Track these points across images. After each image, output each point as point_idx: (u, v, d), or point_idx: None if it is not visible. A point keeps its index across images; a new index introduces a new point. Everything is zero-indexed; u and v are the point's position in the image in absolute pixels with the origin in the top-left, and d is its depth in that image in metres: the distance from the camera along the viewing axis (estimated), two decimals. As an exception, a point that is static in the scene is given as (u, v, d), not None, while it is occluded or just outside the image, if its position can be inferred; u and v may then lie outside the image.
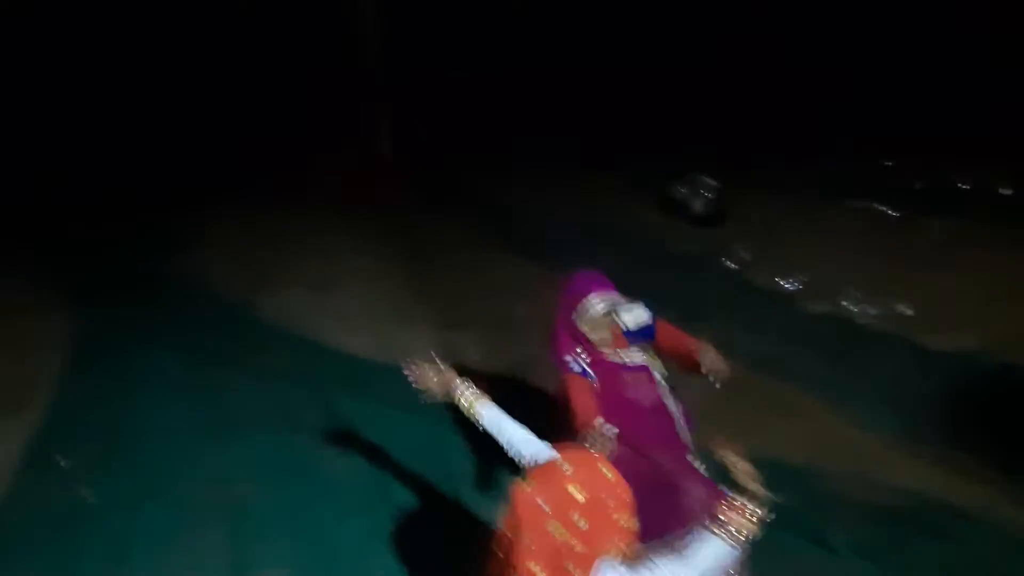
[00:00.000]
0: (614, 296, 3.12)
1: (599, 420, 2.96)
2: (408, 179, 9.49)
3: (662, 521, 2.85)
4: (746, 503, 2.25)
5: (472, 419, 2.69)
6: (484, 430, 2.66)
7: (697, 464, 3.18)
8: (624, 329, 3.23)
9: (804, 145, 9.39)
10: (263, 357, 5.73)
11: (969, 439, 4.23)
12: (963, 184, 7.79)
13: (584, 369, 3.11)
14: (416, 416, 4.24)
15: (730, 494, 2.26)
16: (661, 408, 3.19)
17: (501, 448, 2.59)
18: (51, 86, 11.81)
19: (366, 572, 3.68)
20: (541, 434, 2.59)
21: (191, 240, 8.11)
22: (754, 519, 2.24)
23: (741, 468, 2.35)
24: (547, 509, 2.05)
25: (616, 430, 2.91)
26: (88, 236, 8.33)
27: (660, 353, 3.28)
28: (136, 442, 4.75)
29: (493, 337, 5.72)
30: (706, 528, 2.25)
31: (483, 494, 3.93)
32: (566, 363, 3.12)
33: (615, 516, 2.09)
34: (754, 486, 2.29)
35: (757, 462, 4.09)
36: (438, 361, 2.78)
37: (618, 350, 3.19)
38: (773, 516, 2.24)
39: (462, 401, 2.72)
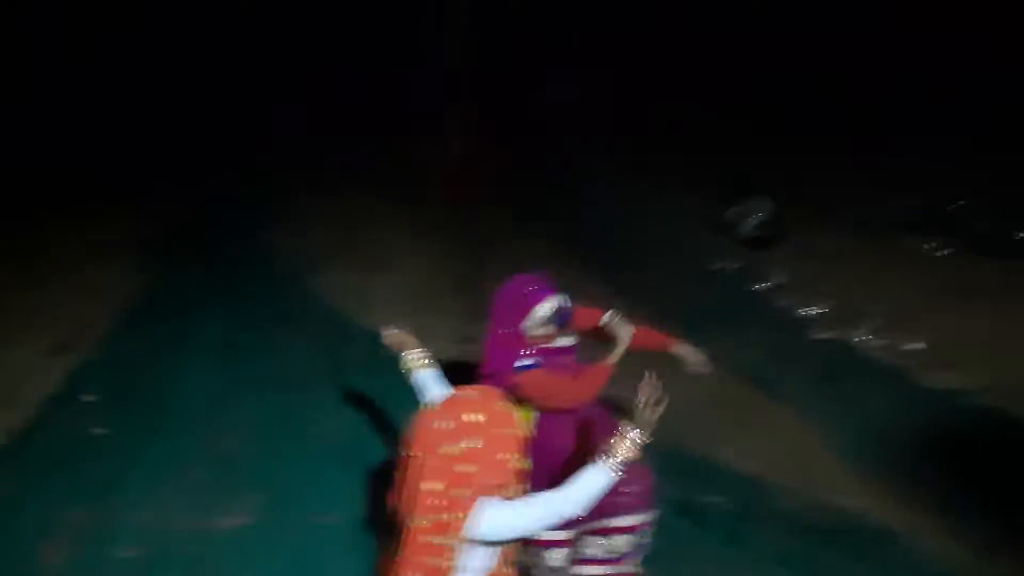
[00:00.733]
0: (555, 296, 3.21)
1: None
2: (479, 177, 9.86)
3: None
4: (631, 430, 2.38)
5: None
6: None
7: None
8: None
9: (878, 177, 9.21)
10: (298, 328, 6.19)
11: (925, 474, 4.18)
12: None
13: (534, 363, 3.20)
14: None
15: (621, 423, 2.39)
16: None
17: None
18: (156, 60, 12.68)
19: (326, 523, 3.99)
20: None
21: (263, 211, 8.75)
22: (635, 444, 2.37)
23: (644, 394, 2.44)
24: (443, 427, 2.27)
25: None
26: (170, 196, 9.12)
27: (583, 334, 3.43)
28: (158, 390, 5.25)
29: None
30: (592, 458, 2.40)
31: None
32: (517, 367, 3.17)
33: (505, 454, 2.31)
34: (647, 413, 2.40)
35: (718, 465, 4.31)
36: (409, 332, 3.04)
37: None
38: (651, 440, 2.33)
39: (405, 361, 3.01)
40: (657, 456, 3.91)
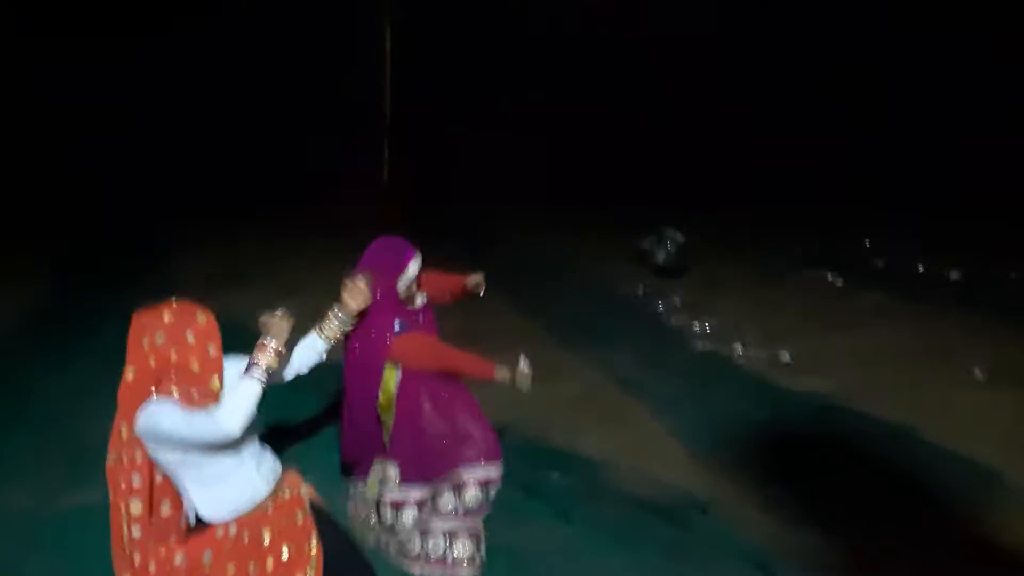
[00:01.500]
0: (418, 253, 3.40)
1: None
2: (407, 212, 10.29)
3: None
4: (269, 340, 2.67)
5: None
6: None
7: None
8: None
9: (785, 215, 9.91)
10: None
11: (758, 460, 4.42)
12: (921, 264, 8.18)
13: (404, 325, 3.35)
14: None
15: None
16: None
17: None
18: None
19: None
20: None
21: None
22: (273, 352, 2.66)
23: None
24: (142, 324, 2.57)
25: None
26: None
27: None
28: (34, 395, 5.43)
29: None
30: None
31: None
32: (393, 328, 3.31)
33: (193, 358, 2.61)
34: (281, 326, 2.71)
35: (570, 451, 4.55)
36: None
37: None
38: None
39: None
40: (515, 442, 4.33)
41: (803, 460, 4.27)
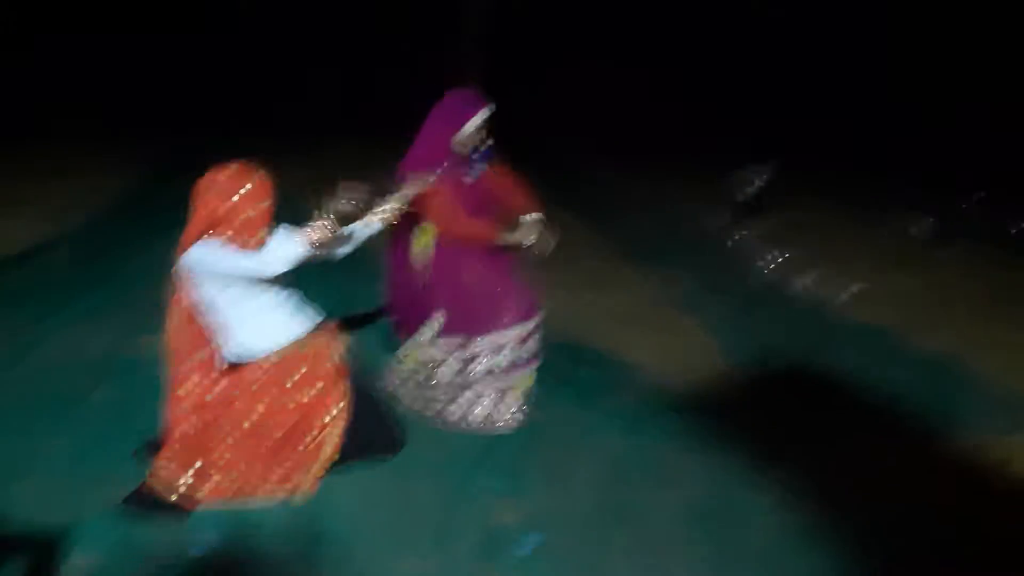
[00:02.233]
0: (487, 107, 3.41)
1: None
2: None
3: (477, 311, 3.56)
4: (324, 218, 2.88)
5: None
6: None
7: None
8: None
9: (881, 161, 9.61)
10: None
11: (802, 384, 4.42)
12: (1005, 222, 7.88)
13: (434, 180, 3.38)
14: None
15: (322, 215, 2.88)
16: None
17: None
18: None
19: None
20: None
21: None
22: (326, 229, 2.86)
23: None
24: (206, 179, 2.90)
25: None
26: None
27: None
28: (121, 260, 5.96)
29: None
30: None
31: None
32: (426, 176, 3.36)
33: (248, 208, 2.90)
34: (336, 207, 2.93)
35: (609, 357, 4.69)
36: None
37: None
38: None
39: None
40: (558, 341, 4.49)
41: (844, 387, 4.25)
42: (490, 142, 3.49)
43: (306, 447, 3.02)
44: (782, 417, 3.95)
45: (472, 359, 3.58)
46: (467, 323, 3.52)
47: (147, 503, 2.88)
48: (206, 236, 2.86)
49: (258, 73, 14.16)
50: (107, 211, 7.23)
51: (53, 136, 10.84)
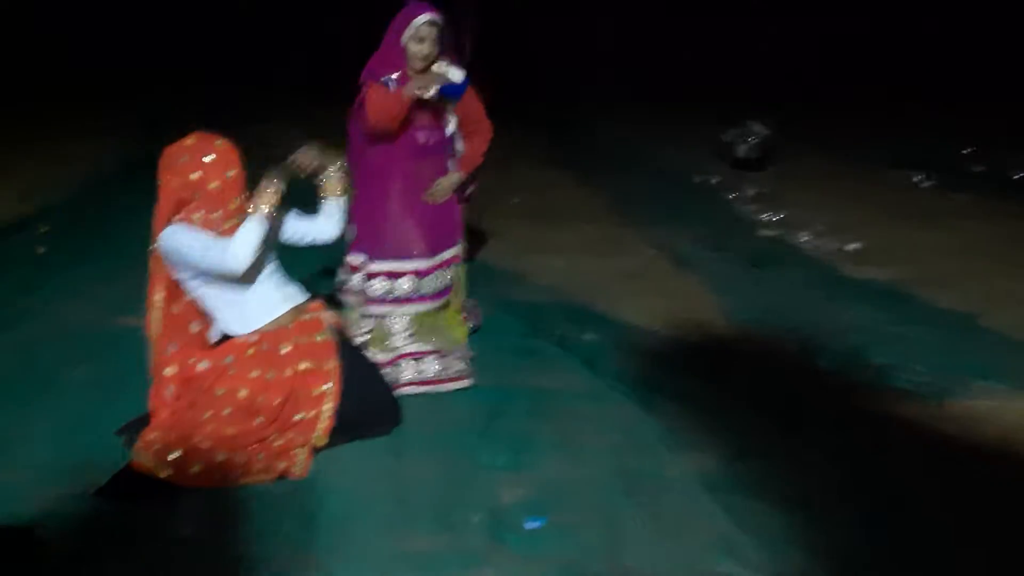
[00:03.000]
0: (436, 14, 3.37)
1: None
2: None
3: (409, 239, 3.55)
4: (271, 182, 2.86)
5: None
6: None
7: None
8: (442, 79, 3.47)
9: (881, 115, 9.57)
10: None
11: (805, 337, 4.30)
12: (1013, 170, 7.73)
13: (392, 85, 3.37)
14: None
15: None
16: (439, 146, 3.59)
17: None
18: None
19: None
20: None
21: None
22: (275, 192, 2.86)
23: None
24: (169, 152, 2.83)
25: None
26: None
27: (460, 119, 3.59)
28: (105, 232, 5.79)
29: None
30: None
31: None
32: (378, 79, 3.37)
33: (214, 179, 2.83)
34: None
35: (606, 314, 4.54)
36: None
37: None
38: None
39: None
40: (559, 303, 4.56)
41: (855, 346, 4.09)
42: (459, 73, 3.44)
43: (297, 426, 2.86)
44: (792, 377, 3.83)
45: (371, 278, 3.53)
46: (370, 243, 3.48)
47: (134, 483, 2.72)
48: (176, 218, 2.78)
49: (244, 33, 13.78)
50: (87, 184, 7.01)
51: (24, 104, 10.58)
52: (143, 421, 2.94)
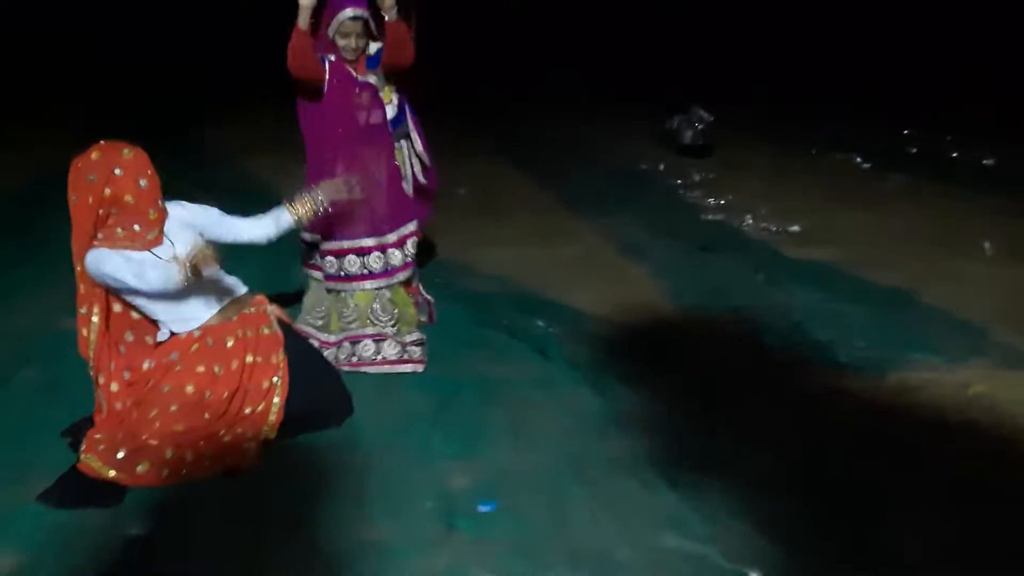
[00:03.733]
0: (362, 9, 3.47)
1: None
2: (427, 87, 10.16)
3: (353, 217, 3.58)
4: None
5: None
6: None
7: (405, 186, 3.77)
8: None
9: (816, 98, 10.21)
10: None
11: (751, 317, 4.37)
12: (948, 151, 8.00)
13: (326, 60, 3.49)
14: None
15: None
16: (381, 128, 3.63)
17: None
18: None
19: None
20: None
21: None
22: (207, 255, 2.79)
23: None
24: (77, 167, 2.75)
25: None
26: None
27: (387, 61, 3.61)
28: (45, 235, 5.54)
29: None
30: None
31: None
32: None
33: (126, 191, 2.75)
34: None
35: (558, 303, 4.58)
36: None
37: (357, 69, 3.58)
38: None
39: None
40: (506, 293, 4.58)
41: (797, 325, 4.21)
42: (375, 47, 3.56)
43: (246, 420, 2.86)
44: (737, 359, 3.91)
45: (323, 256, 3.63)
46: (319, 222, 3.50)
47: (80, 485, 2.68)
48: (99, 240, 2.73)
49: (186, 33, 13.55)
50: (30, 185, 6.82)
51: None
52: (88, 422, 2.89)
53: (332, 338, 3.68)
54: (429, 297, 4.15)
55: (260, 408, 2.90)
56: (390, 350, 3.65)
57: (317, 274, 3.75)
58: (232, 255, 3.14)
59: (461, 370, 3.71)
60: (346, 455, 2.99)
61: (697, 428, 3.22)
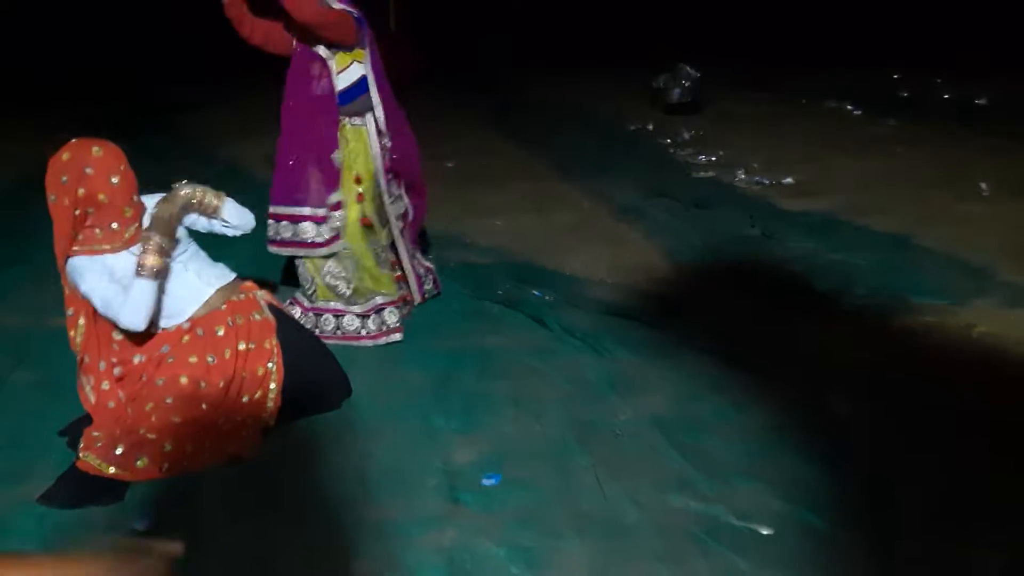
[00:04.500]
0: None
1: None
2: (421, 58, 10.05)
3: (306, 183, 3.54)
4: (152, 236, 2.73)
5: None
6: None
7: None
8: None
9: (804, 49, 10.07)
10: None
11: (749, 269, 4.36)
12: (940, 92, 7.89)
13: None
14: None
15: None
16: (326, 99, 3.53)
17: None
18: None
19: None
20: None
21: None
22: (161, 249, 2.74)
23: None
24: (51, 169, 2.69)
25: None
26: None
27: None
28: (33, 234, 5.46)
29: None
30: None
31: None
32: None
33: (99, 190, 2.69)
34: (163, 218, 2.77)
35: (554, 269, 4.53)
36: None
37: None
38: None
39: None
40: (503, 263, 4.51)
41: (796, 276, 4.18)
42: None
43: (244, 408, 2.82)
44: (737, 314, 3.86)
45: (278, 220, 3.57)
46: (274, 188, 3.53)
47: (81, 483, 2.64)
48: (79, 245, 2.70)
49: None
50: (17, 184, 6.75)
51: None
52: (86, 420, 2.85)
53: (332, 304, 3.74)
54: (430, 265, 4.07)
55: (257, 395, 2.86)
56: (349, 326, 3.66)
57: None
58: (217, 242, 3.08)
59: (459, 342, 3.67)
60: (347, 436, 2.95)
61: (700, 387, 3.17)
